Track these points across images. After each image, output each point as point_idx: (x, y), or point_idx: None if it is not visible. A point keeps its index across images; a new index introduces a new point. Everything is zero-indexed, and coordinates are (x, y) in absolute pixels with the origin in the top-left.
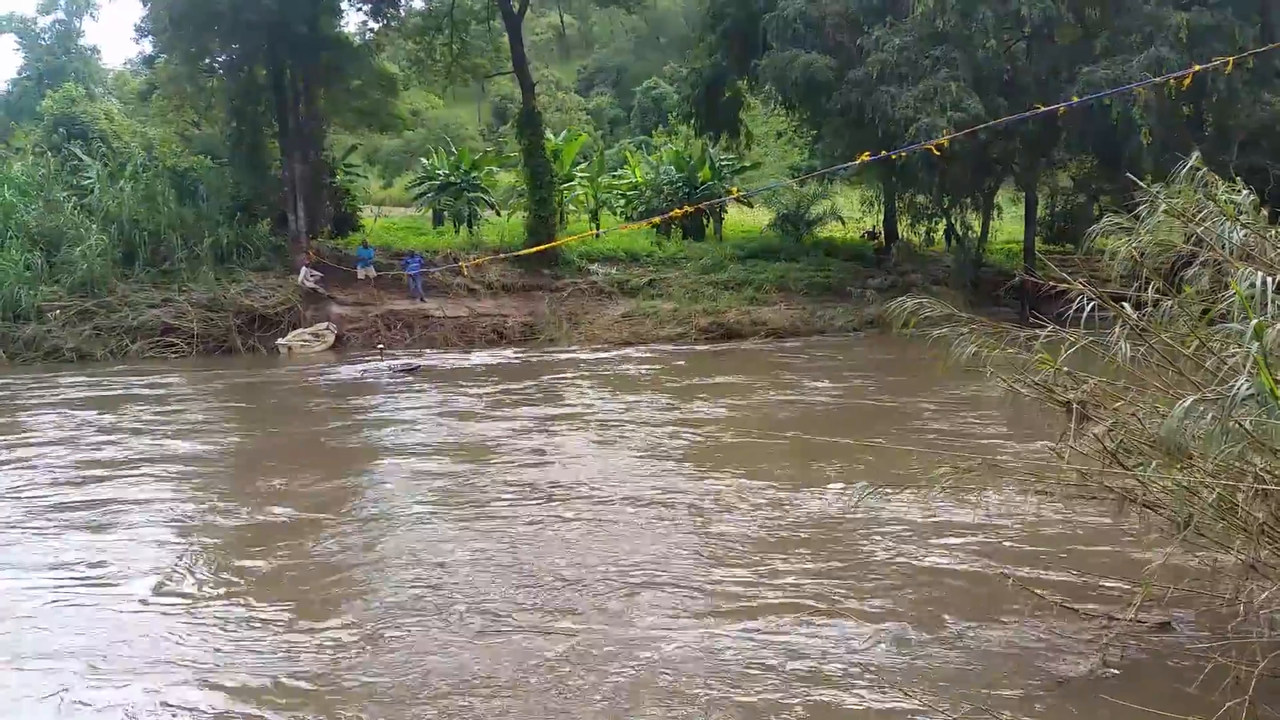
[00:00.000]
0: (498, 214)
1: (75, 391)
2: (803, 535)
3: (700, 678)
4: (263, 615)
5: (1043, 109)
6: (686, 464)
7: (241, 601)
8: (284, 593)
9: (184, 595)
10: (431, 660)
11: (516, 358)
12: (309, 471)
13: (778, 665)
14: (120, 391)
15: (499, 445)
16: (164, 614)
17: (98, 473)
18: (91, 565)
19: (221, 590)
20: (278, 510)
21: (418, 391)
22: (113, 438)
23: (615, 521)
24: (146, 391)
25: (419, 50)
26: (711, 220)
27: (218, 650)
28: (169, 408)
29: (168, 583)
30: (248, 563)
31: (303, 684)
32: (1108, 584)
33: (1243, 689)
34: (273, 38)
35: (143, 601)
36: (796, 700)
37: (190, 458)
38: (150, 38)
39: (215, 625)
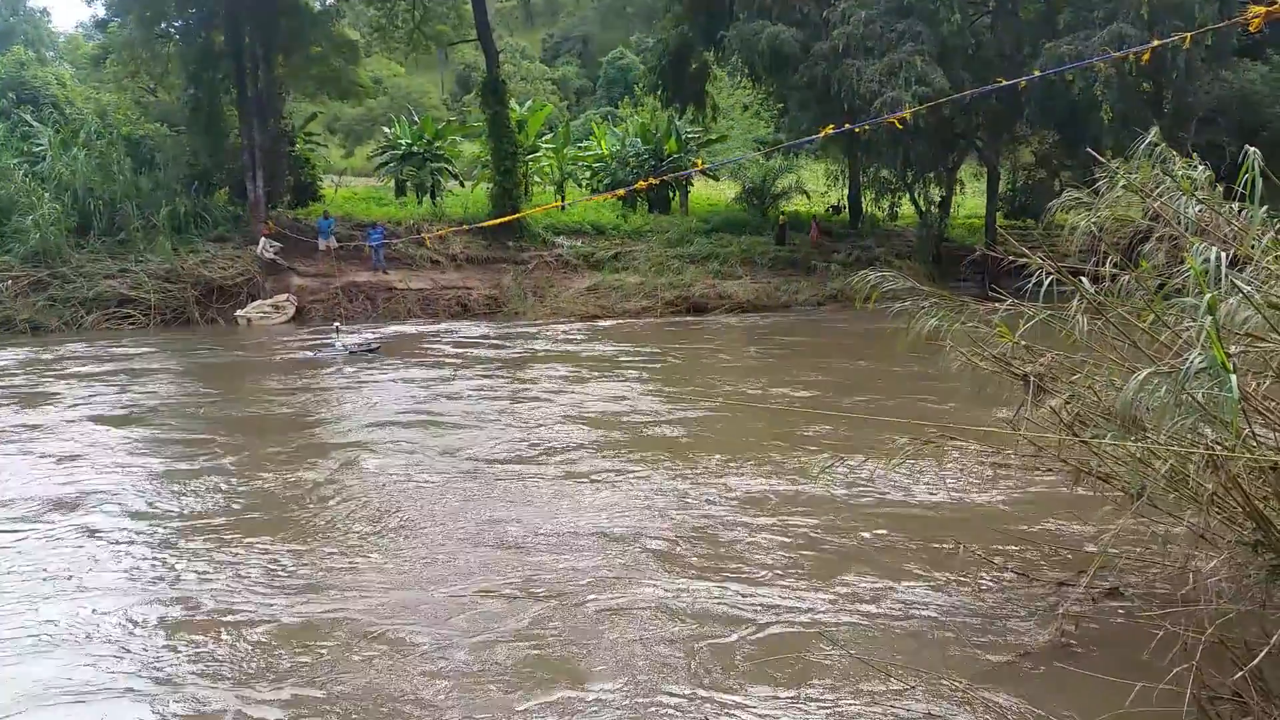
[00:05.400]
0: (461, 185)
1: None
2: (760, 504)
3: (653, 643)
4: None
5: (1004, 83)
6: (654, 431)
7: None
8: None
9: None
10: None
11: (485, 332)
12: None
13: (731, 633)
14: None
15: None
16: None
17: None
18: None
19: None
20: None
21: (380, 378)
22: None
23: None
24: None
25: (380, 16)
26: (677, 193)
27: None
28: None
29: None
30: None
31: None
32: (1061, 552)
33: (1190, 655)
34: (230, 3)
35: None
36: (751, 669)
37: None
38: (102, 0)
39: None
